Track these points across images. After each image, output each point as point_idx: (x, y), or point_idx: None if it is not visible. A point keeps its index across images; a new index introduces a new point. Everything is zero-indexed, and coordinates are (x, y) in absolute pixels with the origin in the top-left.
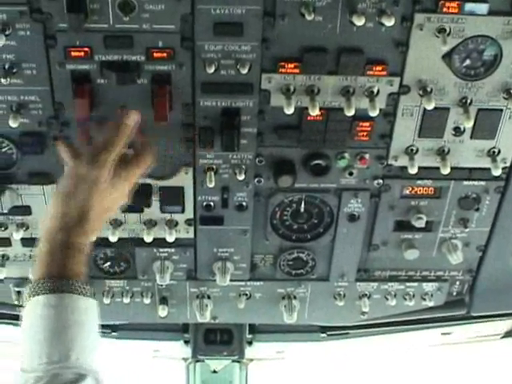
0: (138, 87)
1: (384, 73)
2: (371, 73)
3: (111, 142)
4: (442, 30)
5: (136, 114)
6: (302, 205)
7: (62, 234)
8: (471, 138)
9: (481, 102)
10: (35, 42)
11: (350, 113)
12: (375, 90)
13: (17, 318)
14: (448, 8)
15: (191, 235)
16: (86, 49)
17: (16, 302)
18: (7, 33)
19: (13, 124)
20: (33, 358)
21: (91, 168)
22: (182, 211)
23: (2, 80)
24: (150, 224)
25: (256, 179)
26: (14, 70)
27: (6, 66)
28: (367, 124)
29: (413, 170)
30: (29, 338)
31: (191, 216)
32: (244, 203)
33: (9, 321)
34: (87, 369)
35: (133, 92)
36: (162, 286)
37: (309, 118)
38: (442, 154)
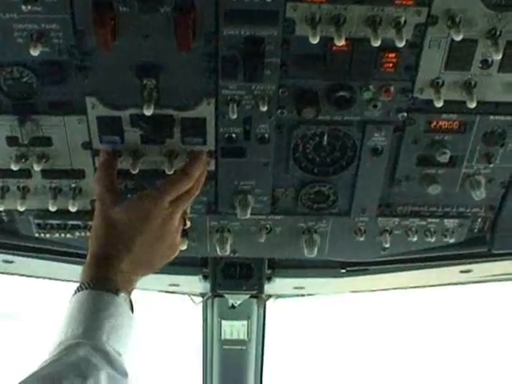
0: (161, 15)
1: (411, 2)
2: (398, 2)
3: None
4: None
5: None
6: (325, 138)
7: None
8: (499, 71)
9: (510, 33)
10: None
11: (377, 43)
12: (402, 21)
13: (37, 250)
14: None
15: (212, 167)
16: None
17: (37, 235)
18: None
19: (33, 52)
20: (69, 329)
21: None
22: (204, 143)
23: (23, 7)
24: (171, 156)
25: (279, 111)
26: None
27: None
28: (393, 55)
29: (438, 103)
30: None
31: (213, 148)
32: (266, 135)
33: (29, 253)
34: (109, 350)
35: (155, 20)
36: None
37: (334, 48)
38: (469, 87)
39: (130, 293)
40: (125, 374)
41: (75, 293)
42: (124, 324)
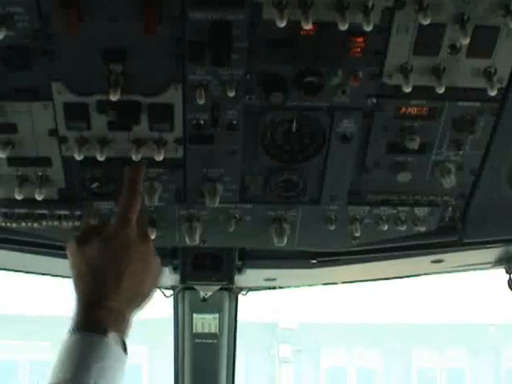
0: None
1: None
2: None
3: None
4: None
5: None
6: (294, 124)
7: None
8: (467, 56)
9: (478, 18)
10: None
11: (344, 27)
12: (370, 4)
13: (3, 241)
14: None
15: (180, 155)
16: None
17: (3, 225)
18: None
19: None
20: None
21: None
22: (171, 129)
23: None
24: (139, 143)
25: (247, 96)
26: None
27: None
28: (361, 39)
29: (407, 89)
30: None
31: (180, 135)
32: (234, 121)
33: None
34: None
35: (122, 3)
36: (150, 208)
37: (301, 32)
38: (437, 72)
39: (122, 331)
40: None
41: (67, 335)
42: (112, 366)
